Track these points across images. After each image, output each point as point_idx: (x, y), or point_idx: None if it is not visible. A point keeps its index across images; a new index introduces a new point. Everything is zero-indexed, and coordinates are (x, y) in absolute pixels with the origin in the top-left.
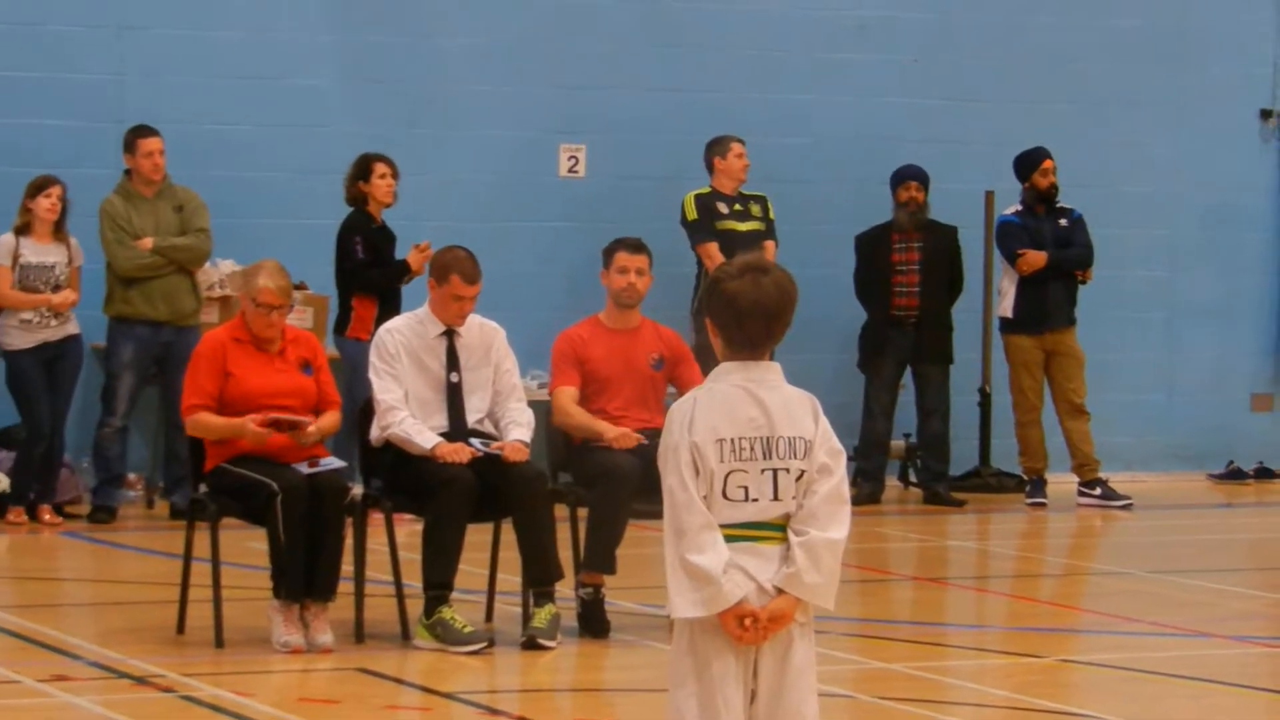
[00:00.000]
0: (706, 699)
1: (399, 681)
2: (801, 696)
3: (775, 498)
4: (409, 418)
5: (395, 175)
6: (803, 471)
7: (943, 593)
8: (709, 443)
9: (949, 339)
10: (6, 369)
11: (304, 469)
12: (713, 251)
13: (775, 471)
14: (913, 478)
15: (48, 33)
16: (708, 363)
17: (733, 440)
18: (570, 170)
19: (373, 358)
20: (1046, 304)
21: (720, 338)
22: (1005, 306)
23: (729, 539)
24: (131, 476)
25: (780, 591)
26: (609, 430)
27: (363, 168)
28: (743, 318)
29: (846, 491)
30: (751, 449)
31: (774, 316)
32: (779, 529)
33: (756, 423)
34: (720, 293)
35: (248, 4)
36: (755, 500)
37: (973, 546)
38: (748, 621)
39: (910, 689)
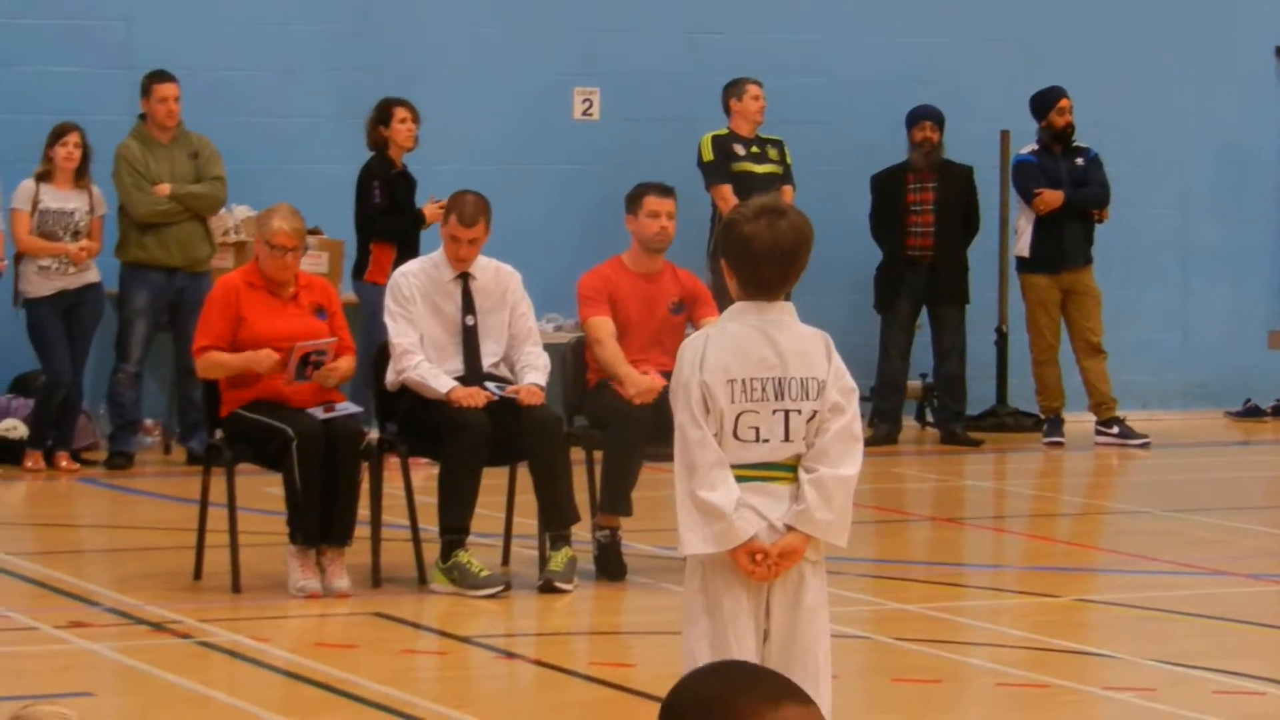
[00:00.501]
0: (718, 637)
1: (416, 626)
2: (814, 636)
3: (786, 439)
4: (424, 361)
5: (416, 120)
6: (814, 413)
7: (960, 532)
8: (719, 383)
9: (965, 279)
10: (26, 316)
11: (319, 414)
12: (726, 194)
13: (787, 413)
14: (929, 418)
15: None
16: (723, 304)
17: (744, 381)
18: (584, 114)
19: (388, 301)
20: (1063, 243)
21: (735, 279)
22: (1022, 246)
23: (739, 479)
24: (148, 423)
25: (791, 529)
26: (632, 385)
27: (383, 112)
28: (757, 260)
29: (859, 429)
30: (763, 390)
31: (789, 259)
32: (790, 469)
33: (768, 363)
34: (735, 234)
35: None
36: (766, 441)
37: (990, 486)
38: (759, 557)
39: (927, 629)
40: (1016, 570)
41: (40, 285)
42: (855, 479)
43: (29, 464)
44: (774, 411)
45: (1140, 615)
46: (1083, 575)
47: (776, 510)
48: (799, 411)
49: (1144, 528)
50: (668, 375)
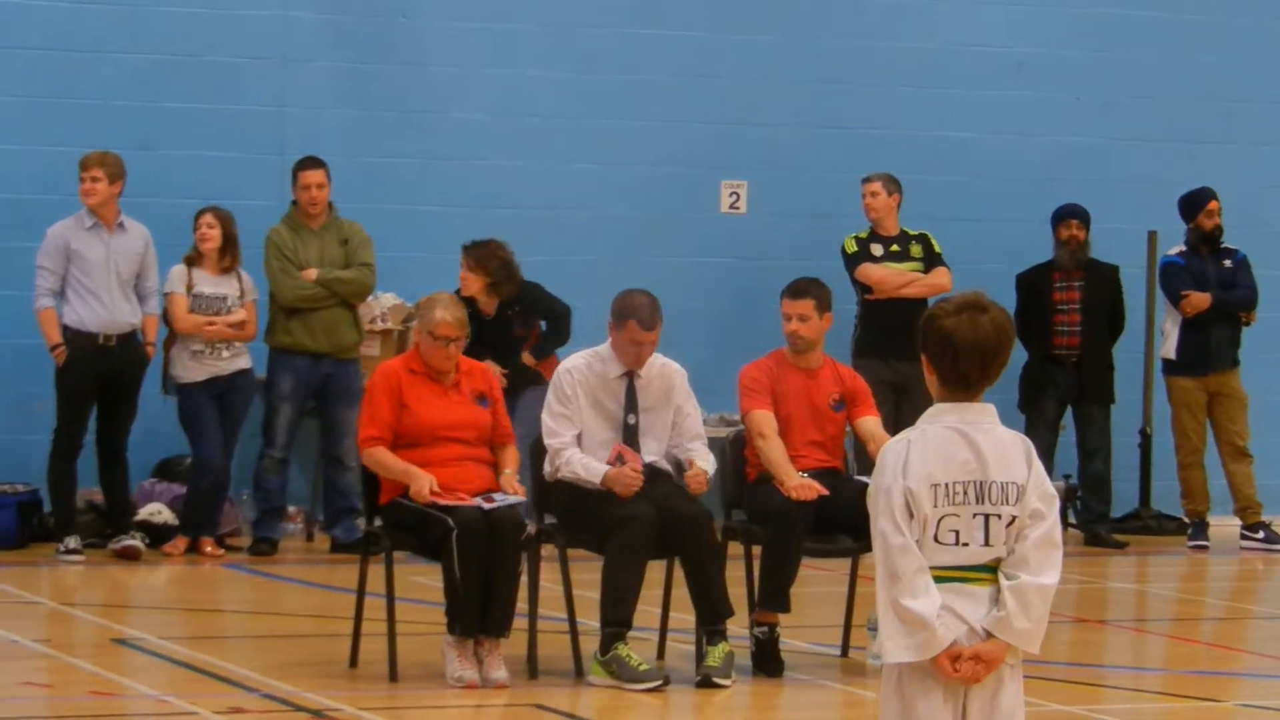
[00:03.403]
0: None
1: (573, 717)
2: None
3: (986, 543)
4: (575, 453)
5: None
6: (1014, 517)
7: (1102, 634)
8: (924, 488)
9: (1110, 379)
10: (178, 401)
11: (482, 504)
12: (867, 271)
13: (987, 517)
14: (1073, 519)
15: (210, 64)
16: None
17: (947, 485)
18: (731, 206)
19: (549, 397)
20: (1210, 345)
21: (935, 375)
22: (1168, 348)
23: (939, 579)
24: (291, 509)
25: (990, 636)
26: (791, 479)
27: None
28: (959, 356)
29: (1059, 536)
30: (964, 493)
31: (990, 355)
32: (989, 570)
33: (969, 466)
34: (937, 330)
35: (410, 37)
36: (966, 545)
37: (1133, 588)
38: (958, 662)
39: None
40: (1159, 673)
41: (193, 370)
42: (1054, 587)
43: (171, 549)
44: (974, 515)
45: None
46: (1227, 680)
47: (975, 613)
48: (999, 516)
49: None
50: (826, 472)
